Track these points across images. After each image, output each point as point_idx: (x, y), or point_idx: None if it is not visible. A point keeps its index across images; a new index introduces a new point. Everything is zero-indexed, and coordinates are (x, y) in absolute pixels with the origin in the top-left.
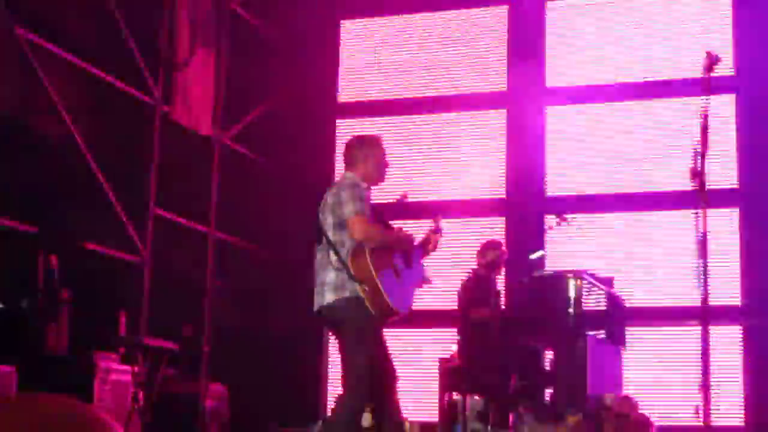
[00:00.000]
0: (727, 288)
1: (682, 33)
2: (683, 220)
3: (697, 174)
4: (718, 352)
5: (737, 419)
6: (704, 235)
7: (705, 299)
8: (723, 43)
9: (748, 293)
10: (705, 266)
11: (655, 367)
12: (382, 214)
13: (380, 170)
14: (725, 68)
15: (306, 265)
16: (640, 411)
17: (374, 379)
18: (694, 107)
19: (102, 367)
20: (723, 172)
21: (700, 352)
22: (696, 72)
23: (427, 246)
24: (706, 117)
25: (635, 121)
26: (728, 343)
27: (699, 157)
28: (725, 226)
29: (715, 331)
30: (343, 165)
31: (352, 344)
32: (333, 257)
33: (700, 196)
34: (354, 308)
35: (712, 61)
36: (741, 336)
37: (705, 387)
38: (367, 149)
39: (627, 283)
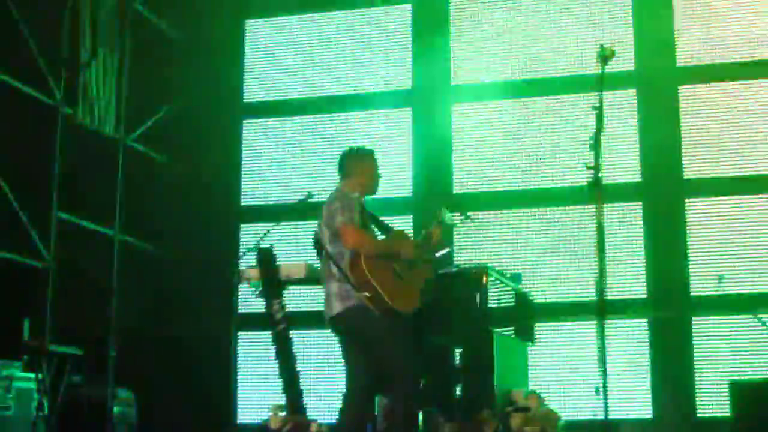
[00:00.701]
0: (634, 281)
1: (584, 27)
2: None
3: (593, 168)
4: (627, 345)
5: (645, 411)
6: (601, 228)
7: (602, 293)
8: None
9: (653, 286)
10: (603, 260)
11: (562, 362)
12: (380, 220)
13: (375, 181)
14: (625, 62)
15: (209, 267)
16: (546, 406)
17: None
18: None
19: (5, 374)
20: (626, 167)
21: (599, 345)
22: (594, 67)
23: (430, 241)
24: (600, 111)
25: (538, 117)
26: (636, 335)
27: (594, 152)
28: (629, 219)
29: (622, 324)
30: (339, 176)
31: (373, 346)
32: (334, 269)
33: (595, 190)
34: (363, 316)
35: (607, 55)
36: (647, 328)
37: (603, 381)
38: (364, 162)
39: (535, 278)
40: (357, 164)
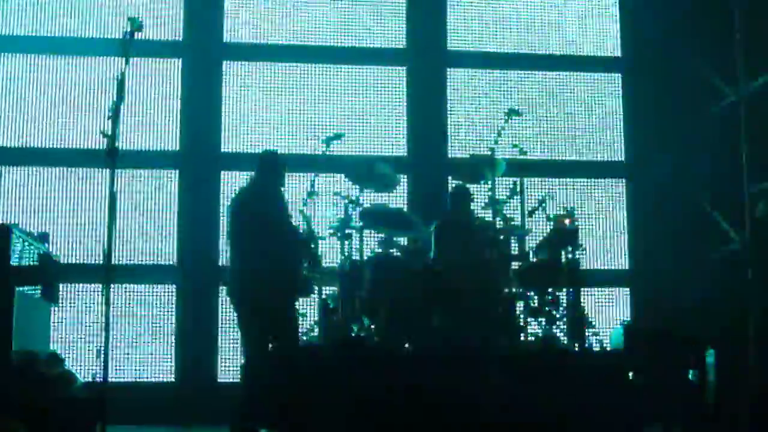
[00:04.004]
0: (163, 247)
1: None
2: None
3: (109, 137)
4: (156, 310)
5: (168, 375)
6: (112, 195)
7: (109, 257)
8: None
9: (181, 254)
10: (112, 225)
11: (89, 323)
12: None
13: None
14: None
15: None
16: (65, 368)
17: None
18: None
19: None
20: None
21: (104, 309)
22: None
23: None
24: (122, 81)
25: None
26: (165, 302)
27: (112, 121)
28: (165, 186)
29: (152, 290)
30: None
31: None
32: None
33: (110, 156)
34: None
35: (135, 27)
36: (174, 294)
37: (105, 345)
38: None
39: (62, 239)
40: None
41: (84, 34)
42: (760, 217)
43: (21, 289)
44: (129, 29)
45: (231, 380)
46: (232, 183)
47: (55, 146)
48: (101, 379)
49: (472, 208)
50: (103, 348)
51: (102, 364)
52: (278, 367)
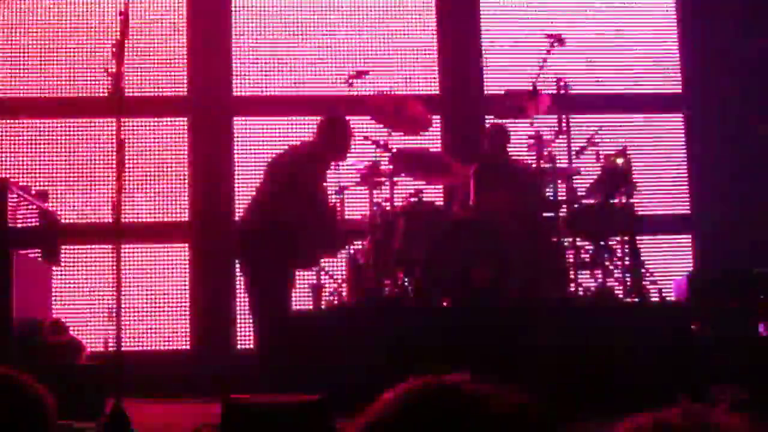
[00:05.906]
0: (175, 203)
1: None
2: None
3: (114, 77)
4: (167, 272)
5: (183, 342)
6: (121, 144)
7: (119, 214)
8: None
9: (195, 209)
10: (121, 179)
11: (91, 288)
12: None
13: None
14: None
15: None
16: (71, 335)
17: None
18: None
19: None
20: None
21: (114, 271)
22: None
23: None
24: (126, 17)
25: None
26: (177, 262)
27: (117, 60)
28: (174, 136)
29: (163, 250)
30: None
31: None
32: None
33: (115, 97)
34: None
35: None
36: (187, 254)
37: (117, 311)
38: None
39: (61, 196)
40: None
41: None
42: None
43: (20, 251)
44: None
45: (249, 347)
46: (246, 129)
47: (52, 95)
48: (113, 347)
49: (509, 148)
50: (114, 314)
51: (114, 330)
52: (300, 332)
